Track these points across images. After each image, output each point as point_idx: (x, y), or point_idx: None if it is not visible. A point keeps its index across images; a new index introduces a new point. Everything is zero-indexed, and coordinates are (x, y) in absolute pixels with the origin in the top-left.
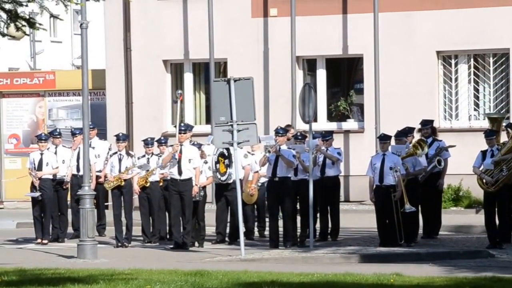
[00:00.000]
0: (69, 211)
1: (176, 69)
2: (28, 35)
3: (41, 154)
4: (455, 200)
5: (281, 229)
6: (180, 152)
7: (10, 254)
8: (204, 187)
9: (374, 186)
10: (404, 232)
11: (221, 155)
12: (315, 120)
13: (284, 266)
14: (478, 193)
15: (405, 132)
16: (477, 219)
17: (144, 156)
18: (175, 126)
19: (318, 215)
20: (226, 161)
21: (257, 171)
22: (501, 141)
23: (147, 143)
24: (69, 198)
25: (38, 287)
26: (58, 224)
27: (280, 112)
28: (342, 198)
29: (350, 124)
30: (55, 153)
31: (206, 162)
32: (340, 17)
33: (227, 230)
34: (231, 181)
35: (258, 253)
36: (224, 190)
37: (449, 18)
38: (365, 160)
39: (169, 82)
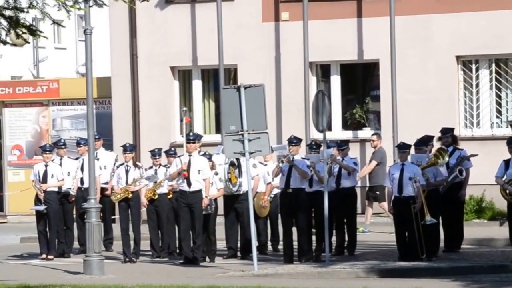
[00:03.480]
0: (75, 225)
1: (184, 76)
2: (28, 42)
3: (46, 165)
4: (478, 212)
5: (295, 243)
6: (187, 170)
7: (14, 270)
8: (215, 200)
9: (393, 198)
10: (425, 246)
11: (231, 164)
12: (330, 128)
13: (299, 282)
14: (502, 204)
15: (425, 141)
16: (501, 231)
17: (151, 167)
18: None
19: (334, 228)
20: (236, 171)
21: (269, 183)
22: None
23: (154, 154)
24: (75, 212)
25: None
26: (64, 239)
27: (292, 120)
28: (359, 210)
29: (366, 132)
30: (60, 164)
31: (216, 174)
32: (355, 21)
33: (239, 244)
34: (241, 192)
35: (272, 268)
36: (233, 202)
37: (469, 21)
38: None
39: (177, 90)
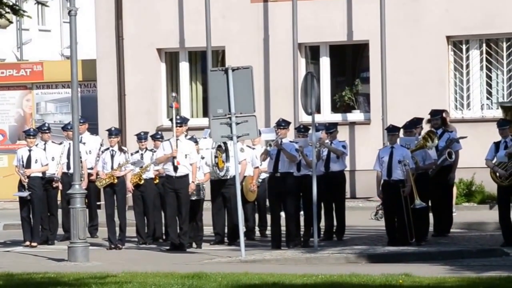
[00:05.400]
0: (59, 211)
1: (171, 58)
2: (12, 22)
3: (29, 150)
4: (468, 196)
5: (283, 228)
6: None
7: None
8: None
9: (382, 181)
10: (414, 230)
11: (219, 148)
12: (318, 111)
13: (287, 267)
14: (491, 187)
15: (414, 123)
16: (491, 215)
17: (137, 152)
18: (171, 120)
19: (322, 212)
20: (223, 156)
21: (257, 167)
22: None
23: (140, 137)
24: (59, 198)
25: None
26: (48, 225)
27: (281, 103)
28: (347, 194)
29: (356, 115)
30: (44, 149)
31: (203, 158)
32: (344, 1)
33: (226, 230)
34: (229, 176)
35: (259, 253)
36: (220, 187)
37: (459, 1)
38: (372, 153)
39: (164, 72)
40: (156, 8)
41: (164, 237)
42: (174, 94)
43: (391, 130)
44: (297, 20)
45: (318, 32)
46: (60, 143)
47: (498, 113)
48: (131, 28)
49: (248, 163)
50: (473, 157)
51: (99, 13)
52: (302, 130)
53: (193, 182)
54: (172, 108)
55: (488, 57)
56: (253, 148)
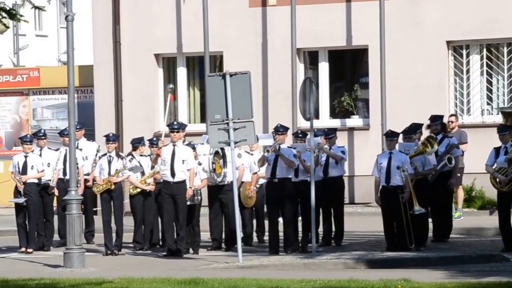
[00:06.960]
0: (55, 217)
1: (168, 64)
2: (8, 27)
3: (26, 156)
4: (468, 201)
5: (281, 233)
6: (172, 160)
7: None
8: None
9: (380, 187)
10: (413, 236)
11: (216, 154)
12: (317, 117)
13: (285, 273)
14: (492, 193)
15: (413, 129)
16: (490, 220)
17: (131, 160)
18: (168, 125)
19: (320, 218)
20: (221, 161)
21: (255, 172)
22: None
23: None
24: (55, 204)
25: None
26: (44, 232)
27: (279, 108)
28: (346, 200)
29: (355, 120)
30: (40, 155)
31: (200, 164)
32: (344, 6)
33: (223, 236)
34: (226, 182)
35: (257, 259)
36: (218, 193)
37: (459, 5)
38: (371, 159)
39: (161, 78)
40: (154, 14)
41: (161, 242)
42: (171, 86)
43: (389, 136)
44: (295, 25)
45: (316, 37)
46: (57, 149)
47: (498, 119)
48: (129, 34)
49: (246, 168)
50: (473, 163)
51: (96, 18)
52: (300, 135)
53: (190, 188)
54: (167, 101)
55: (489, 62)
56: (251, 154)
